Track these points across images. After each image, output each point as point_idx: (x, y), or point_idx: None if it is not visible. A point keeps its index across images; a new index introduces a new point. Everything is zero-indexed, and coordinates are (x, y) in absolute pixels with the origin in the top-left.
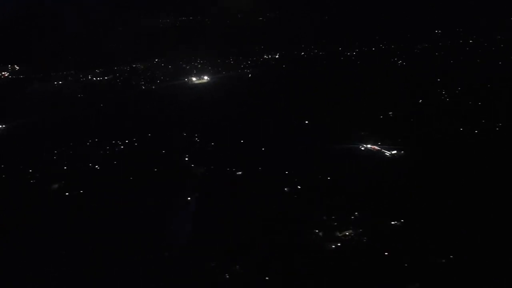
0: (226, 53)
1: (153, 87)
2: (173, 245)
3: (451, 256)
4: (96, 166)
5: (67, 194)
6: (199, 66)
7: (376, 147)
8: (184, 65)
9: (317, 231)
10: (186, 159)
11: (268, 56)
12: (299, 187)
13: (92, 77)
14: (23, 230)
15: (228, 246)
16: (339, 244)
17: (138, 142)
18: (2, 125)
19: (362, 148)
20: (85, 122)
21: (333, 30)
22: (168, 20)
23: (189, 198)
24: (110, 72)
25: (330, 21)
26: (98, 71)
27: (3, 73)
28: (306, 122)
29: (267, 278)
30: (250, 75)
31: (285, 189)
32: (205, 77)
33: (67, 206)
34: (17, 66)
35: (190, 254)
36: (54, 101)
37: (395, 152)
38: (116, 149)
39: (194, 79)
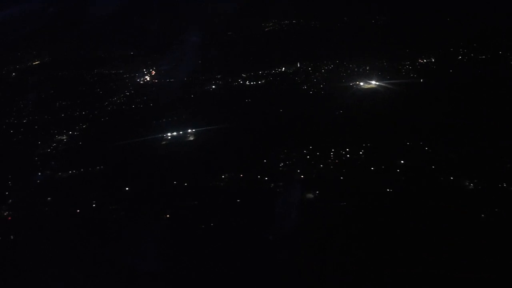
0: (372, 57)
1: (322, 92)
2: None
3: None
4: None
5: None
6: (350, 71)
7: None
8: (333, 69)
9: None
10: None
11: (423, 61)
12: None
13: (243, 82)
14: None
15: None
16: None
17: (366, 150)
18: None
19: None
20: (282, 128)
21: (475, 32)
22: (270, 24)
23: None
24: (259, 77)
25: (462, 21)
26: (244, 75)
27: (145, 77)
28: None
29: None
30: (422, 80)
31: None
32: (373, 82)
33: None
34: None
35: None
36: (228, 106)
37: None
38: (344, 158)
39: (361, 83)
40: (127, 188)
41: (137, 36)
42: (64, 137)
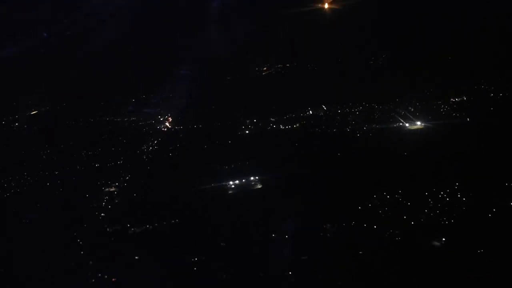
0: (399, 98)
1: (370, 134)
2: None
3: None
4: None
5: None
6: (385, 112)
7: None
8: (364, 110)
9: None
10: None
11: (455, 99)
12: None
13: (276, 126)
14: None
15: None
16: None
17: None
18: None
19: None
20: (353, 173)
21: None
22: (264, 68)
23: None
24: (291, 120)
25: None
26: (273, 119)
27: (165, 123)
28: None
29: None
30: (468, 119)
31: None
32: (418, 123)
33: None
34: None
35: None
36: (279, 151)
37: None
38: (444, 202)
39: (407, 125)
40: (222, 244)
41: (135, 78)
42: (113, 189)
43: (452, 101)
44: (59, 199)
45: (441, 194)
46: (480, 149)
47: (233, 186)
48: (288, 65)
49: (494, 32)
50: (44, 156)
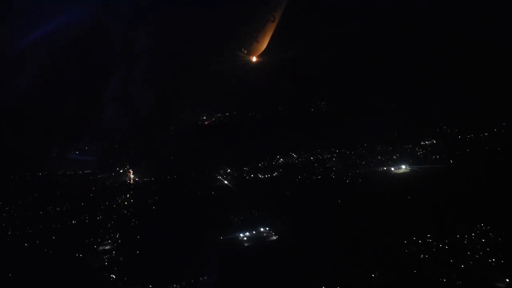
0: (369, 143)
1: (360, 180)
2: None
3: None
4: None
5: None
6: (362, 158)
7: None
8: (340, 157)
9: None
10: None
11: (425, 143)
12: None
13: (254, 175)
14: None
15: None
16: None
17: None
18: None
19: None
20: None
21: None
22: (203, 117)
23: None
24: (267, 169)
25: None
26: (247, 168)
27: (128, 175)
28: None
29: None
30: (451, 161)
31: None
32: (403, 167)
33: None
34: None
35: None
36: (269, 202)
37: None
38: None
39: (392, 169)
40: None
41: (72, 126)
42: (108, 247)
43: (422, 144)
44: (50, 261)
45: (472, 237)
46: (481, 189)
47: (245, 238)
48: (227, 114)
49: (446, 73)
50: (4, 214)
